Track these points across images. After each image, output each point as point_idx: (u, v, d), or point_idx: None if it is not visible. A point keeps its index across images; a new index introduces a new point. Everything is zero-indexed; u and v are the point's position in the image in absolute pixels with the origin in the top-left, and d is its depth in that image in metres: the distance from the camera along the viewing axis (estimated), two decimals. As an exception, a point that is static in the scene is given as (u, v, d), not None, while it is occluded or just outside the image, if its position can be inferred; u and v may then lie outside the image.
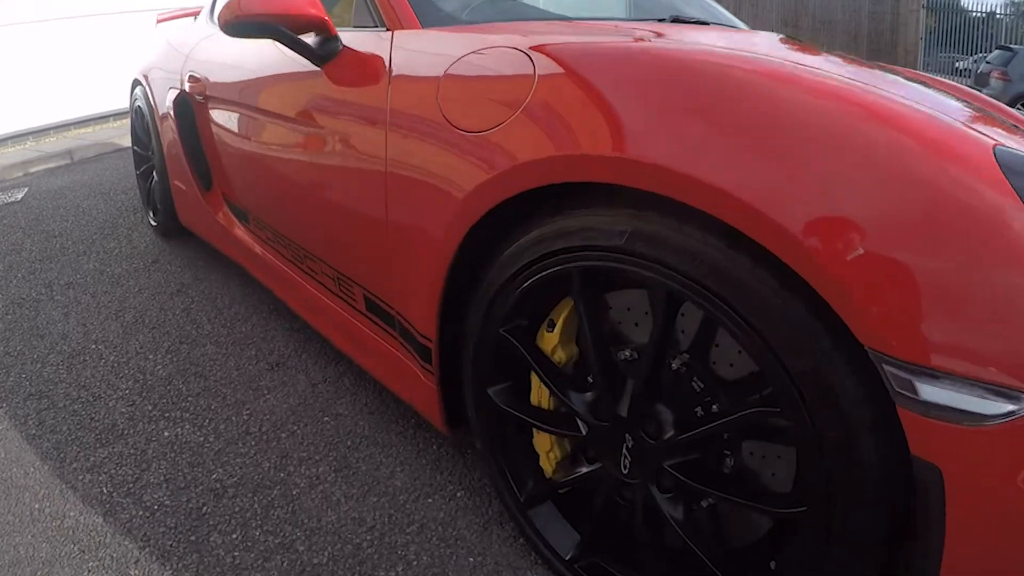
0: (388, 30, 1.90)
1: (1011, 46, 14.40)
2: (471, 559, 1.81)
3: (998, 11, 20.41)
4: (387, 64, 1.80)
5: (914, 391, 0.99)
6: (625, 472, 1.45)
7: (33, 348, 2.86)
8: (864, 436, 1.06)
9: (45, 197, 5.15)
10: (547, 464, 1.65)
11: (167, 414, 2.36)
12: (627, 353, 1.44)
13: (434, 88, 1.62)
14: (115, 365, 2.69)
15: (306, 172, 2.21)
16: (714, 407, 1.31)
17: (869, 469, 1.07)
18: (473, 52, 1.59)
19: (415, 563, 1.79)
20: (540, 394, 1.61)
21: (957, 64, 20.43)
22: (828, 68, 1.42)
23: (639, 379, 1.36)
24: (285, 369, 2.74)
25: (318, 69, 2.03)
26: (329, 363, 2.75)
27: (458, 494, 2.04)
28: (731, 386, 1.31)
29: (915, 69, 20.02)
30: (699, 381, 1.33)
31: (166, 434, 2.25)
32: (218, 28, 2.44)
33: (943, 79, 2.54)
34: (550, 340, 1.54)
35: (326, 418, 2.35)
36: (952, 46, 20.41)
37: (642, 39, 1.59)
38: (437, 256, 1.62)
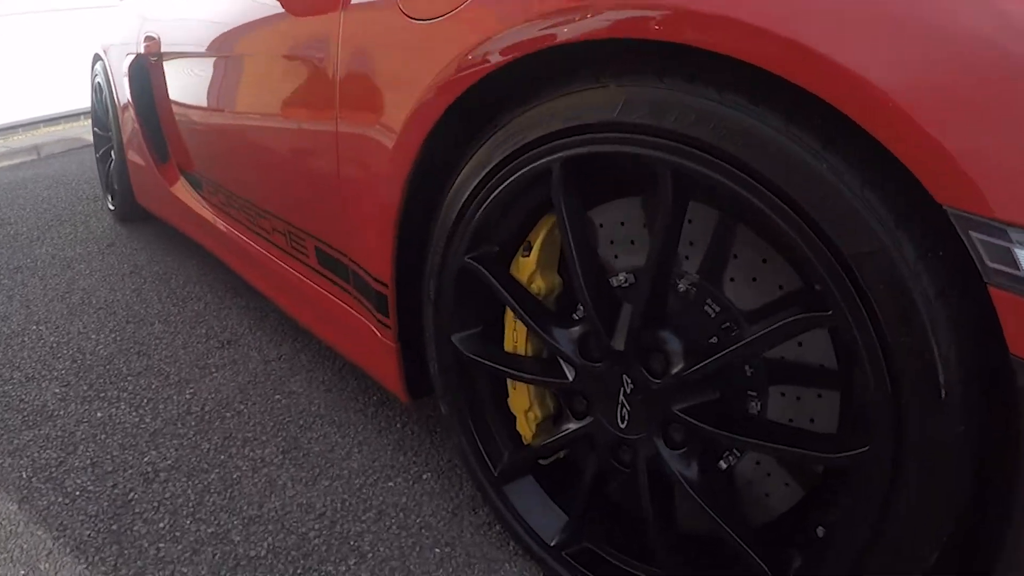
0: None
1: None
2: (437, 550, 1.56)
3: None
4: None
5: (1015, 264, 0.73)
6: (623, 426, 1.21)
7: (-31, 330, 2.66)
8: (944, 337, 0.81)
9: (4, 189, 4.94)
10: (526, 427, 1.42)
11: (103, 394, 2.19)
12: (622, 278, 1.24)
13: None
14: (54, 346, 2.52)
15: (256, 120, 2.09)
16: (733, 333, 1.10)
17: (951, 385, 0.83)
18: None
19: (370, 555, 1.55)
20: (516, 337, 1.37)
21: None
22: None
23: (639, 301, 1.11)
24: (237, 347, 2.51)
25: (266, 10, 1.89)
26: (285, 340, 2.54)
27: (424, 476, 1.79)
28: (753, 307, 1.10)
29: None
30: (713, 304, 1.13)
31: (99, 415, 2.08)
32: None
33: None
34: (526, 266, 1.30)
35: (277, 396, 2.17)
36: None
37: None
38: (390, 173, 1.40)
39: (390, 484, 1.76)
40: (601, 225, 1.29)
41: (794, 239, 0.90)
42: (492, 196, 1.26)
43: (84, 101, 7.15)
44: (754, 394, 1.14)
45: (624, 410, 1.21)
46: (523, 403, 1.42)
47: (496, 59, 1.14)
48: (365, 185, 1.53)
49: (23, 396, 2.20)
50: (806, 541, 1.11)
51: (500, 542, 1.56)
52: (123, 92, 3.43)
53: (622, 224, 1.26)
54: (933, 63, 0.76)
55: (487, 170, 1.25)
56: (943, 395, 0.83)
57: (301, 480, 1.79)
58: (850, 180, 0.85)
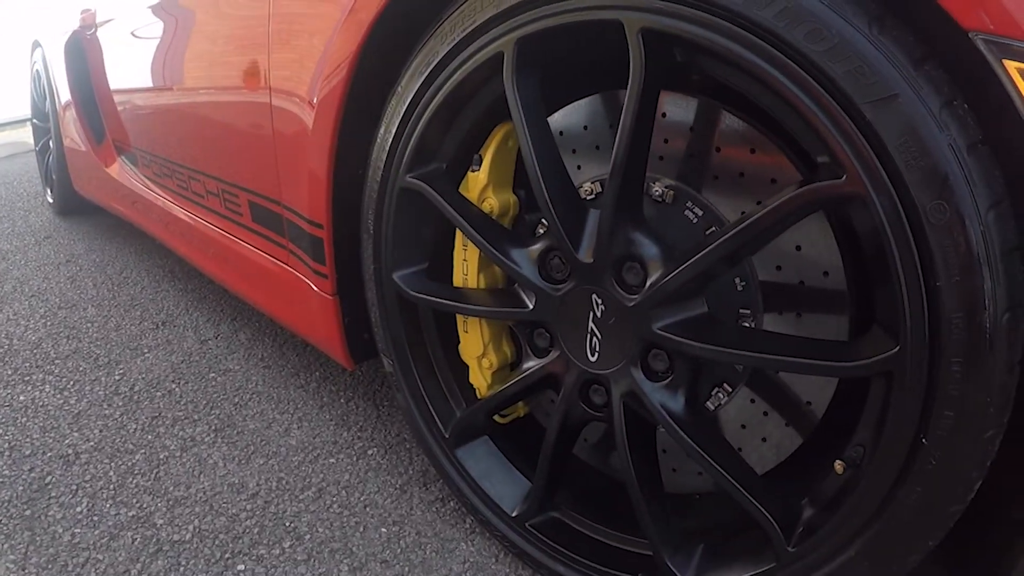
0: None
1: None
2: (384, 529, 1.39)
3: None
4: None
5: None
6: (593, 359, 1.05)
7: None
8: (981, 199, 0.68)
9: (-57, 192, 4.81)
10: (480, 378, 1.27)
11: (27, 378, 2.07)
12: (587, 188, 1.10)
13: None
14: None
15: (191, 77, 1.98)
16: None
17: (992, 261, 0.69)
18: None
19: (308, 537, 1.39)
20: (467, 269, 1.20)
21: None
22: None
23: (608, 203, 0.95)
24: (172, 327, 2.36)
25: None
26: (223, 319, 2.41)
27: (369, 451, 1.63)
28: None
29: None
30: (694, 207, 1.00)
31: (21, 398, 1.96)
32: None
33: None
34: (477, 181, 1.15)
35: (212, 374, 2.03)
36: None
37: None
38: (322, 98, 1.26)
39: (331, 461, 1.60)
40: (561, 133, 1.14)
41: (797, 97, 0.74)
42: (437, 98, 1.09)
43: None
44: (747, 311, 0.97)
45: (594, 339, 1.03)
46: (476, 348, 1.24)
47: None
48: (297, 119, 1.38)
49: (-63, 383, 2.07)
50: (816, 488, 0.94)
51: (455, 519, 1.40)
52: (60, 74, 3.34)
53: (585, 128, 1.11)
54: None
55: (431, 68, 1.08)
56: (983, 275, 0.69)
57: (233, 459, 1.62)
58: (858, 21, 0.70)
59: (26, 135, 7.18)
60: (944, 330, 0.71)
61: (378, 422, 1.73)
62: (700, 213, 0.99)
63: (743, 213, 0.96)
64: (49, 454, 1.69)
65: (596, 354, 1.04)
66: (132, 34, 2.45)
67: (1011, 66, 0.63)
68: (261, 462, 1.60)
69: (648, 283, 0.95)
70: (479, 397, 1.28)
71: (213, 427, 1.75)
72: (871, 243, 0.82)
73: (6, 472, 1.64)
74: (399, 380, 1.34)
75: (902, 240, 0.71)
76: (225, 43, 1.69)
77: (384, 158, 1.19)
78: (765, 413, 1.03)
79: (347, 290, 1.44)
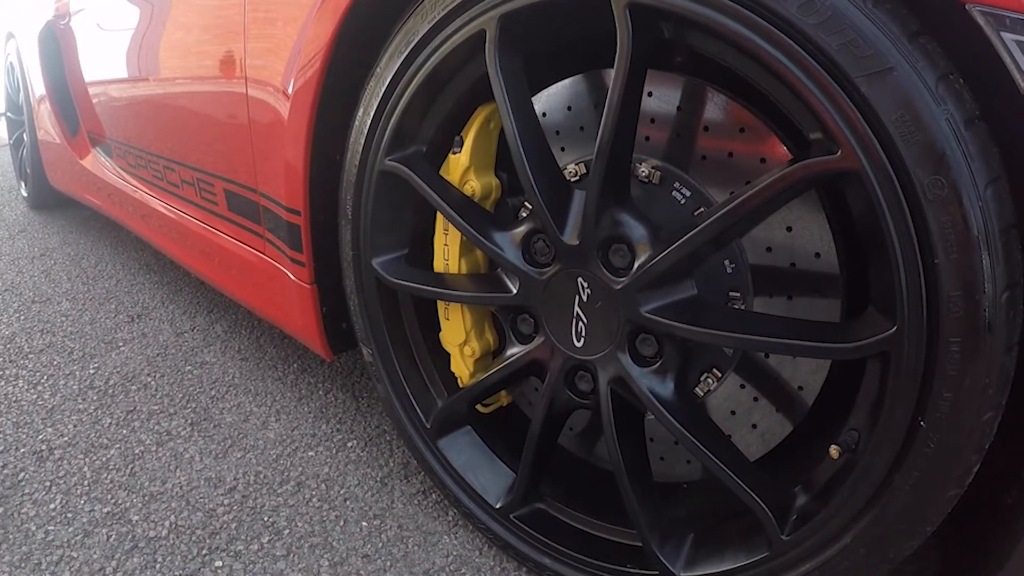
0: None
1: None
2: (364, 523, 1.37)
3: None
4: None
5: None
6: (579, 344, 1.04)
7: None
8: (980, 174, 0.67)
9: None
10: (462, 366, 1.26)
11: (0, 373, 2.02)
12: (571, 170, 1.09)
13: None
14: None
15: (166, 65, 1.94)
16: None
17: (991, 238, 0.68)
18: None
19: (287, 531, 1.36)
20: (448, 254, 1.19)
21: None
22: None
23: (594, 184, 0.93)
24: (147, 320, 2.34)
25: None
26: (200, 311, 2.39)
27: (349, 444, 1.61)
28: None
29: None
30: (682, 187, 0.99)
31: None
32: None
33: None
34: (458, 163, 1.13)
35: (188, 367, 2.00)
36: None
37: None
38: (299, 82, 1.24)
39: (311, 454, 1.58)
40: (544, 114, 1.13)
41: (790, 71, 0.73)
42: (417, 79, 1.07)
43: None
44: (737, 294, 0.96)
45: (580, 324, 1.01)
46: (458, 335, 1.23)
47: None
48: (273, 104, 1.36)
49: (-93, 381, 2.05)
50: (810, 474, 0.93)
51: (437, 512, 1.38)
52: (33, 64, 3.31)
53: (568, 109, 1.10)
54: None
55: (411, 47, 1.06)
56: (982, 253, 0.68)
57: (210, 453, 1.60)
58: None
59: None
60: (943, 309, 0.70)
61: (357, 414, 1.72)
62: (688, 194, 0.97)
63: (731, 193, 0.94)
64: (23, 450, 1.66)
65: (582, 339, 1.02)
66: (106, 23, 2.42)
67: (1009, 39, 0.63)
68: (239, 456, 1.58)
69: (636, 265, 0.93)
70: (461, 386, 1.26)
71: (189, 421, 1.72)
72: (865, 222, 0.80)
73: (-23, 470, 1.60)
74: (379, 370, 1.32)
75: (899, 217, 0.69)
76: (201, 32, 1.67)
77: (363, 141, 1.16)
78: (755, 399, 1.02)
79: (325, 278, 1.43)
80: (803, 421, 1.00)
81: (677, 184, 0.98)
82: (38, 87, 3.27)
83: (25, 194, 3.95)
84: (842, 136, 0.70)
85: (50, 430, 1.73)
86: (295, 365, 1.96)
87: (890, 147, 0.68)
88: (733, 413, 1.05)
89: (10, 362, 2.09)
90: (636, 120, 0.92)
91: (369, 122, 1.15)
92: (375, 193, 1.18)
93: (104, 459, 1.61)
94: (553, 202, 0.98)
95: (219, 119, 1.65)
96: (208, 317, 2.32)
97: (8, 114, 4.17)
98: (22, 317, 2.41)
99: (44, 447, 1.66)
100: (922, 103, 0.66)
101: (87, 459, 1.61)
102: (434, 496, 1.41)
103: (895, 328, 0.72)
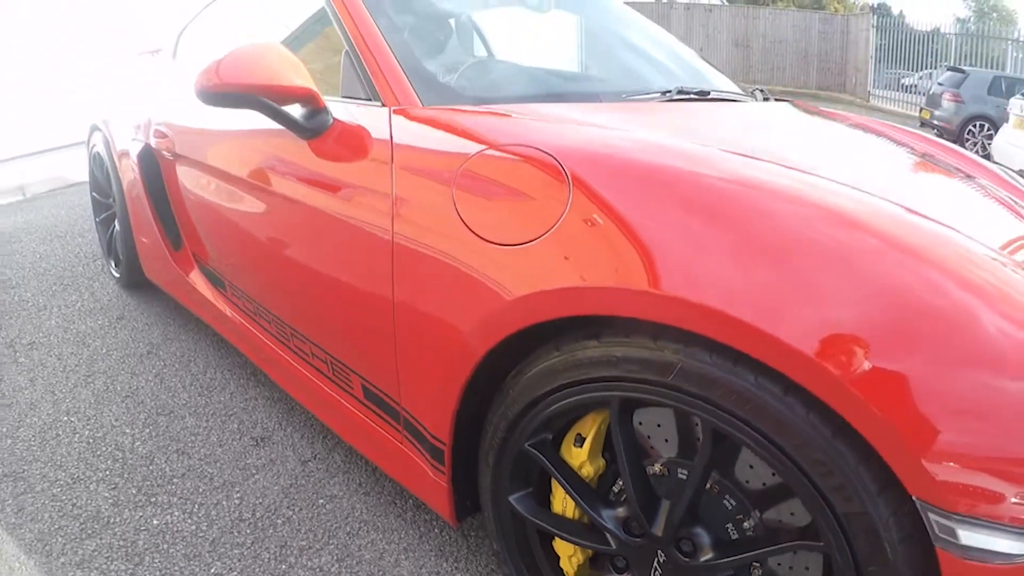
0: (384, 106, 1.81)
1: (962, 68, 15.10)
2: None
3: (942, 28, 21.10)
4: (389, 144, 1.71)
5: (954, 536, 1.03)
6: None
7: (1, 420, 2.72)
8: (903, 570, 1.10)
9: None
10: (568, 567, 1.60)
11: (153, 499, 2.24)
12: (657, 468, 1.42)
13: (448, 185, 1.53)
14: (91, 441, 2.57)
15: (297, 249, 2.08)
16: (745, 524, 1.33)
17: None
18: (491, 147, 1.51)
19: None
20: (565, 503, 1.55)
21: (903, 80, 21.11)
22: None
23: (678, 502, 1.35)
24: (271, 444, 2.64)
25: (303, 141, 1.94)
26: (316, 437, 2.68)
27: None
28: (759, 498, 1.34)
29: (866, 87, 20.55)
30: (730, 499, 1.34)
31: (155, 522, 2.13)
32: (182, 74, 2.45)
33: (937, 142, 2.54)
34: (579, 455, 1.48)
35: (321, 500, 2.27)
36: (898, 62, 21.04)
37: (675, 149, 1.44)
38: (453, 369, 1.55)
39: (439, 590, 1.94)
40: (640, 423, 1.44)
41: (804, 498, 1.19)
42: (556, 406, 1.44)
43: (63, 137, 7.13)
44: (757, 563, 1.38)
45: (656, 573, 1.47)
46: (567, 549, 1.64)
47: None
48: (425, 369, 1.65)
49: (75, 500, 2.22)
50: None
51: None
52: (130, 173, 3.43)
53: (658, 426, 1.43)
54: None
55: (552, 387, 1.46)
56: None
57: (360, 591, 1.95)
58: (848, 459, 1.12)
59: (62, 165, 7.32)
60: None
61: (469, 553, 2.03)
62: (734, 503, 1.32)
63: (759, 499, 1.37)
64: (201, 586, 1.88)
65: (659, 580, 1.47)
66: (226, 195, 2.49)
67: (932, 518, 1.05)
68: (382, 594, 1.93)
69: (697, 556, 1.39)
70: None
71: (335, 557, 2.00)
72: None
73: (169, 603, 1.83)
74: (505, 558, 1.73)
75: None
76: (349, 255, 1.83)
77: (505, 427, 1.57)
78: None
79: (459, 478, 1.73)
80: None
81: (727, 496, 1.34)
82: (137, 198, 3.36)
83: (117, 275, 4.08)
84: (825, 536, 1.18)
85: (219, 564, 1.95)
86: (411, 502, 2.23)
87: (853, 548, 1.15)
88: None
89: (158, 487, 2.28)
90: (709, 478, 1.38)
91: (512, 416, 1.53)
92: (513, 460, 1.60)
93: (275, 597, 1.95)
94: (645, 508, 1.43)
95: (364, 329, 1.83)
96: (325, 444, 2.55)
97: (94, 195, 4.27)
98: (153, 433, 2.61)
99: (221, 583, 1.89)
100: (876, 528, 1.11)
101: (262, 597, 1.91)
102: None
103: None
